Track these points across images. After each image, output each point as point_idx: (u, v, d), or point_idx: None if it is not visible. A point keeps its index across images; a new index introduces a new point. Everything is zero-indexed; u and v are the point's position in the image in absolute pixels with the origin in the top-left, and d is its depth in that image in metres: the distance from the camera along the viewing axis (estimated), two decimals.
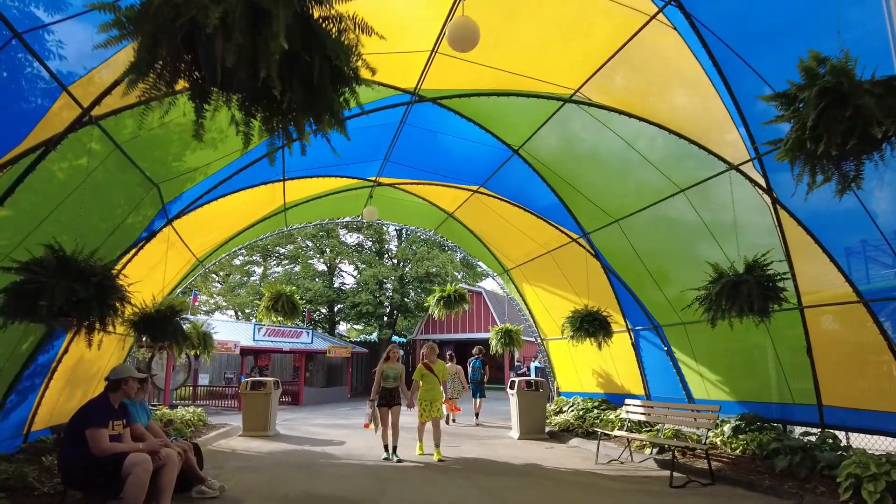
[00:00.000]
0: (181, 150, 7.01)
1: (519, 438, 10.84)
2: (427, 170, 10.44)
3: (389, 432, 8.79)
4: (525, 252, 12.42)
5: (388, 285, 29.75)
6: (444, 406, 10.68)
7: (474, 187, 10.89)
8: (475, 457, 9.08)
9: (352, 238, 31.14)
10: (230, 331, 22.98)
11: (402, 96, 7.72)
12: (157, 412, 10.73)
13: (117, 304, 4.75)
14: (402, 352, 11.38)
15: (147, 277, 9.37)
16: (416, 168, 10.42)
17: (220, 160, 7.83)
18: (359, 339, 34.39)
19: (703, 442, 7.26)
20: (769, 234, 7.10)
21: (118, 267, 8.26)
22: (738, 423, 8.08)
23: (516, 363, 21.18)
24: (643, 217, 8.78)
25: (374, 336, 30.86)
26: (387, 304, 28.69)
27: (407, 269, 28.26)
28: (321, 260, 30.18)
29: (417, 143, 9.48)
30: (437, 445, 8.85)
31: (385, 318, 29.06)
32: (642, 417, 8.82)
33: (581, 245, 10.55)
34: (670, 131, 7.11)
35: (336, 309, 31.36)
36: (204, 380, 25.13)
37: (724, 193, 7.33)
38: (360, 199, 12.39)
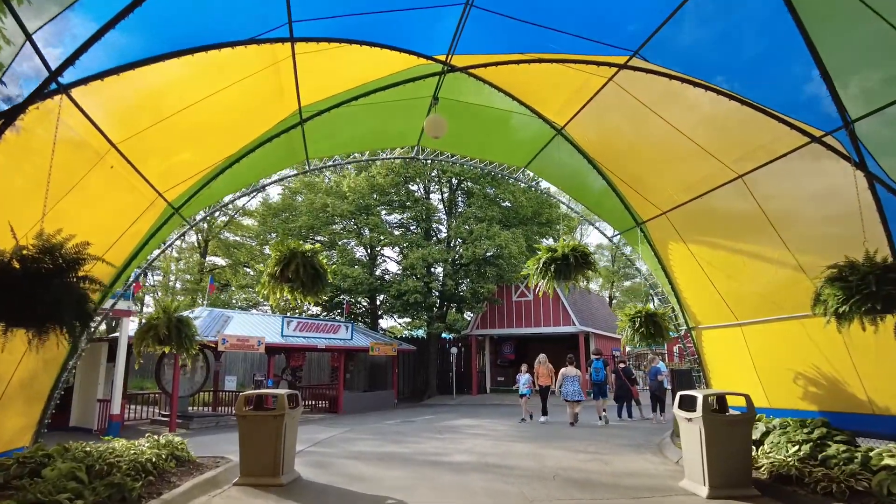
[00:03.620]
0: None
1: (710, 497, 6.13)
2: (541, 22, 5.84)
3: None
4: (688, 185, 7.66)
5: (439, 270, 25.25)
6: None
7: (621, 59, 6.23)
8: None
9: (394, 218, 26.80)
10: (253, 325, 19.02)
11: None
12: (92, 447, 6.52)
13: None
14: None
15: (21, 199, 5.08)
16: (522, 19, 5.84)
17: None
18: (404, 336, 30.11)
19: None
20: None
21: None
22: None
23: (613, 358, 16.09)
24: None
25: (422, 331, 26.49)
26: (436, 293, 24.27)
27: (460, 250, 23.71)
28: (360, 243, 25.92)
29: None
30: None
31: (434, 310, 24.63)
32: None
33: (829, 147, 5.76)
34: None
35: (379, 301, 27.12)
36: (231, 384, 21.09)
37: None
38: (416, 109, 7.91)
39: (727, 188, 7.19)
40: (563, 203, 10.20)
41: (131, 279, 8.57)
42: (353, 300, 26.47)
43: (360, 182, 23.35)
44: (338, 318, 24.87)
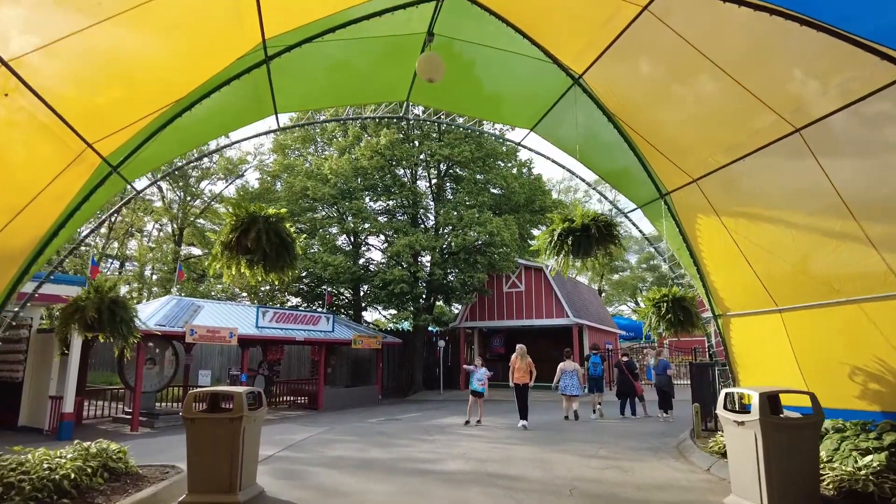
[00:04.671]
0: None
1: None
2: None
3: None
4: (729, 145, 6.42)
5: (426, 258, 23.92)
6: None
7: None
8: None
9: (379, 205, 25.35)
10: (226, 316, 17.58)
11: None
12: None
13: None
14: None
15: None
16: None
17: None
18: (389, 328, 28.76)
19: None
20: None
21: None
22: None
23: (590, 352, 15.13)
24: None
25: (408, 324, 25.18)
26: (423, 283, 22.92)
27: (449, 238, 22.37)
28: (342, 230, 24.41)
29: None
30: None
31: (421, 301, 23.31)
32: None
33: None
34: None
35: (362, 291, 25.70)
36: (205, 378, 19.53)
37: None
38: (406, 50, 6.62)
39: (779, 146, 5.99)
40: (577, 176, 8.84)
41: (63, 256, 7.17)
42: (334, 290, 25.07)
43: (343, 164, 21.92)
44: (318, 309, 23.49)
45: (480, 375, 12.36)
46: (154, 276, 34.93)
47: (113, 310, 5.84)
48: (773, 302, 7.37)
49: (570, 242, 6.19)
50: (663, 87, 6.46)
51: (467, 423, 12.08)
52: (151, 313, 15.19)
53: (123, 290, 33.45)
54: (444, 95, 7.55)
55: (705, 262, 8.11)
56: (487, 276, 23.39)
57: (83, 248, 31.32)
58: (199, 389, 6.19)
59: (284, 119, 7.24)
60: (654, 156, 7.39)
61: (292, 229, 6.13)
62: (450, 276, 23.40)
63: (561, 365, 13.22)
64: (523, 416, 11.68)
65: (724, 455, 7.37)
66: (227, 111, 6.81)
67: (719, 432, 8.21)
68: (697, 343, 25.54)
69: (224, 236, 5.53)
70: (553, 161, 8.51)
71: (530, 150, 8.30)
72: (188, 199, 32.50)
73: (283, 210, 5.82)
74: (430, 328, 25.48)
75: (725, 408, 5.72)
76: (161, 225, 34.92)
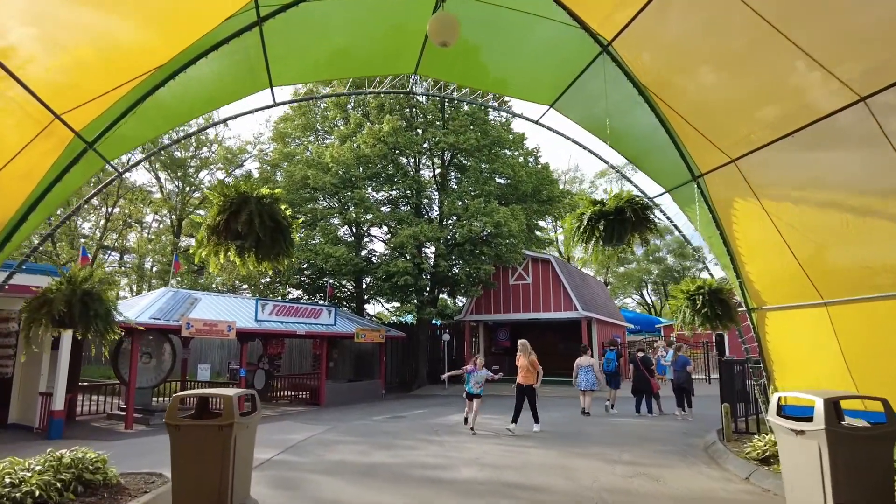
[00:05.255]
0: None
1: None
2: None
3: None
4: (775, 119, 5.71)
5: (430, 250, 23.23)
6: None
7: None
8: None
9: (382, 195, 24.60)
10: (224, 308, 16.96)
11: None
12: None
13: None
14: None
15: None
16: None
17: None
18: (392, 322, 28.11)
19: None
20: None
21: None
22: None
23: (606, 349, 14.54)
24: None
25: (412, 317, 24.49)
26: (427, 275, 22.21)
27: (454, 229, 21.64)
28: (344, 220, 23.69)
29: None
30: None
31: (425, 294, 22.61)
32: None
33: None
34: None
35: (365, 284, 25.02)
36: (204, 373, 18.90)
37: None
38: (415, 14, 5.92)
39: (837, 118, 5.29)
40: (601, 158, 8.11)
41: (38, 243, 6.52)
42: (336, 283, 24.41)
43: (345, 152, 21.20)
44: (320, 301, 22.86)
45: (479, 378, 10.81)
46: (153, 269, 34.36)
47: (86, 302, 5.17)
48: (819, 294, 6.69)
49: (601, 228, 5.50)
50: (702, 55, 5.76)
51: (466, 420, 11.14)
52: (146, 306, 14.57)
53: (122, 281, 32.91)
54: (456, 67, 6.85)
55: (740, 250, 7.42)
56: (493, 267, 22.71)
57: (81, 238, 30.79)
58: (186, 392, 5.54)
59: (282, 95, 6.66)
60: (688, 134, 6.68)
61: (289, 214, 5.50)
62: (455, 268, 22.72)
63: (577, 361, 13.21)
64: (535, 418, 10.52)
65: (762, 462, 6.77)
66: (217, 82, 6.13)
67: (755, 436, 7.58)
68: (705, 337, 24.93)
69: (211, 219, 4.86)
70: (574, 141, 7.81)
71: (550, 129, 7.60)
72: (187, 189, 31.87)
73: (278, 190, 5.15)
74: (434, 321, 24.84)
75: (780, 415, 5.06)
76: (160, 216, 34.33)
